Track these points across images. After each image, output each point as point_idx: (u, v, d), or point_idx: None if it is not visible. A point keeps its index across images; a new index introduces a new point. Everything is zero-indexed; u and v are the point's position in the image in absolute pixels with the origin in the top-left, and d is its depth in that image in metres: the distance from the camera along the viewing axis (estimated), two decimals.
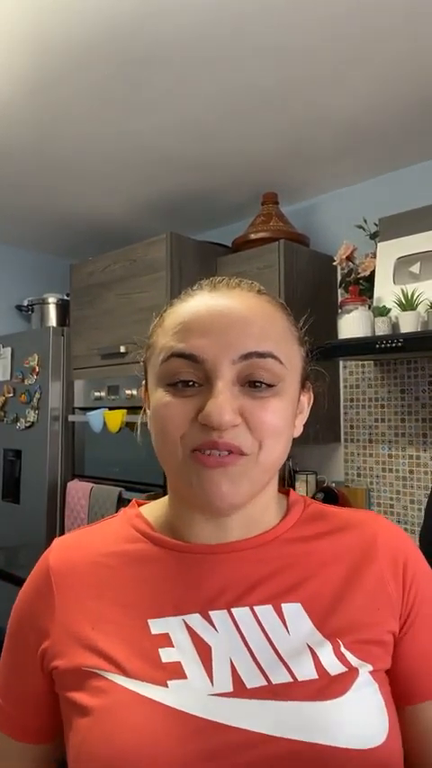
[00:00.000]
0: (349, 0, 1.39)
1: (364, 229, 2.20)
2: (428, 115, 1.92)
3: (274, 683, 0.54)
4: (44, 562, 0.66)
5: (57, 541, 0.68)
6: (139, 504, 0.71)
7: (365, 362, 2.33)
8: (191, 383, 0.57)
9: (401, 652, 0.61)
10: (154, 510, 0.69)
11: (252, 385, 0.57)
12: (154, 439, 0.61)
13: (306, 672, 0.55)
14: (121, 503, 2.31)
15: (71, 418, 2.64)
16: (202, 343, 0.57)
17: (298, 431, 0.65)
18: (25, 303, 3.11)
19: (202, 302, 0.61)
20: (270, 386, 0.58)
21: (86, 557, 0.64)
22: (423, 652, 0.62)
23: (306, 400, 0.66)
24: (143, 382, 0.67)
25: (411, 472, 2.18)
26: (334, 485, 2.34)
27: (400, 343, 1.83)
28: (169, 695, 0.53)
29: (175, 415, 0.57)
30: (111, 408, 2.42)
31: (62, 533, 2.56)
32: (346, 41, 1.54)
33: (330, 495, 2.22)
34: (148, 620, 0.58)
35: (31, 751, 0.65)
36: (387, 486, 2.26)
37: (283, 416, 0.58)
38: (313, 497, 2.26)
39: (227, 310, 0.59)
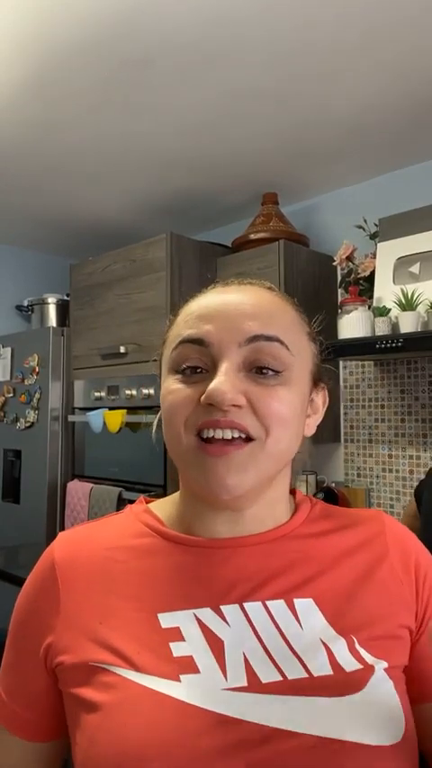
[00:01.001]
0: (349, 0, 1.39)
1: (364, 229, 2.20)
2: (429, 115, 1.92)
3: (289, 678, 0.54)
4: (49, 556, 0.65)
5: (61, 535, 0.67)
6: (147, 502, 0.71)
7: (365, 362, 2.34)
8: (198, 369, 0.58)
9: (419, 651, 0.61)
10: (163, 506, 0.68)
11: (258, 371, 0.57)
12: (163, 428, 0.61)
13: (321, 667, 0.54)
14: (121, 503, 2.31)
15: (71, 418, 2.64)
16: (210, 327, 0.58)
17: (311, 430, 0.64)
18: (25, 303, 3.11)
19: (212, 296, 0.62)
20: (276, 372, 0.57)
21: (93, 551, 0.63)
22: None
23: (321, 400, 0.66)
24: (159, 380, 0.67)
25: (411, 472, 2.18)
26: (334, 485, 2.34)
27: (400, 344, 1.83)
28: (182, 690, 0.52)
29: (181, 400, 0.57)
30: (111, 408, 2.42)
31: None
32: (346, 41, 1.54)
33: (330, 496, 2.22)
34: (158, 614, 0.57)
35: (36, 749, 0.64)
36: (387, 487, 2.26)
37: (290, 406, 0.58)
38: (306, 495, 2.26)
39: (236, 300, 0.60)
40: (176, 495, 0.68)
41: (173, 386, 0.59)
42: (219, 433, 0.55)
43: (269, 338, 0.57)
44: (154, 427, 0.69)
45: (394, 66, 1.66)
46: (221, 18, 1.45)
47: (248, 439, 0.56)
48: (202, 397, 0.55)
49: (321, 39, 1.53)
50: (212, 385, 0.55)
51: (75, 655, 0.57)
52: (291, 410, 0.58)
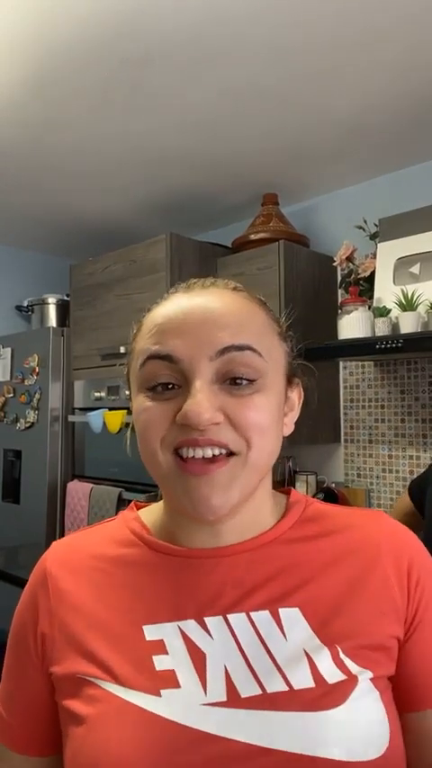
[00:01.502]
0: (349, 1, 1.39)
1: (364, 230, 2.20)
2: (429, 115, 1.92)
3: (269, 691, 0.52)
4: (41, 565, 0.65)
5: (54, 544, 0.67)
6: (139, 507, 0.70)
7: (365, 363, 2.33)
8: (170, 386, 0.56)
9: (405, 657, 0.59)
10: (151, 513, 0.67)
11: (233, 382, 0.55)
12: (138, 446, 0.59)
13: (302, 680, 0.53)
14: (121, 503, 2.31)
15: (71, 418, 2.64)
16: (177, 342, 0.55)
17: (289, 429, 0.62)
18: (25, 303, 3.11)
19: (175, 303, 0.59)
20: (251, 381, 0.55)
21: (83, 560, 0.63)
22: (428, 657, 0.59)
23: (296, 397, 0.64)
24: (127, 392, 0.65)
25: (411, 473, 2.18)
26: (334, 485, 2.33)
27: (400, 344, 1.83)
28: (162, 705, 0.52)
29: (155, 418, 0.55)
30: (111, 409, 2.42)
31: (62, 534, 2.56)
32: (346, 41, 1.54)
33: (330, 496, 2.22)
34: (143, 626, 0.57)
35: (33, 764, 0.63)
36: (387, 487, 2.26)
37: (268, 413, 0.56)
38: (313, 497, 2.26)
39: (201, 308, 0.57)
40: (162, 502, 0.67)
41: (145, 403, 0.57)
42: (198, 452, 0.54)
43: (241, 347, 0.55)
44: (128, 440, 0.67)
45: (394, 67, 1.66)
46: (221, 18, 1.45)
47: (229, 453, 0.54)
48: (178, 417, 0.53)
49: (321, 38, 1.53)
50: (188, 405, 0.53)
51: (65, 666, 0.57)
52: (269, 417, 0.56)
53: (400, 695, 0.59)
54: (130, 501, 0.72)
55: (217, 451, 0.54)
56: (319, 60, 1.63)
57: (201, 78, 1.71)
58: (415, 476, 2.17)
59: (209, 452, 0.54)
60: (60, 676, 0.58)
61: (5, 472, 2.84)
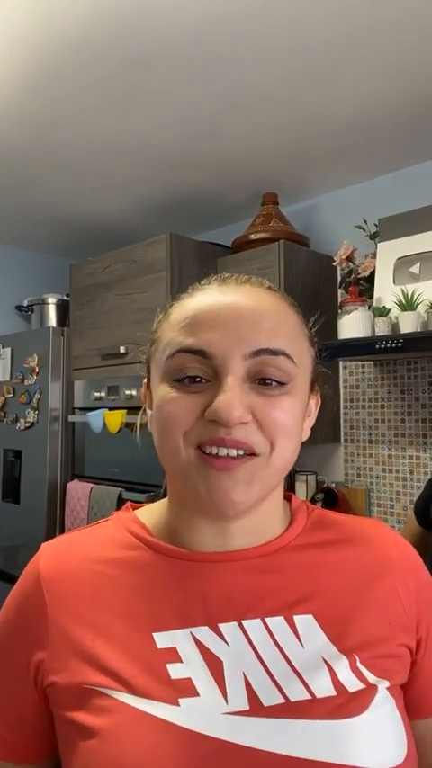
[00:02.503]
0: (349, 1, 1.39)
1: (364, 229, 2.20)
2: (429, 115, 1.92)
3: (292, 700, 0.51)
4: (33, 568, 0.62)
5: (45, 546, 0.64)
6: (134, 508, 0.68)
7: (365, 363, 2.33)
8: (198, 379, 0.55)
9: (418, 669, 0.60)
10: (151, 514, 0.65)
11: (262, 382, 0.55)
12: (156, 437, 0.58)
13: (324, 688, 0.52)
14: (122, 503, 2.30)
15: (71, 418, 2.64)
16: (212, 337, 0.54)
17: (306, 434, 0.62)
18: (25, 303, 3.11)
19: (210, 297, 0.58)
20: (281, 384, 0.55)
21: (80, 563, 0.60)
22: None
23: (314, 403, 0.64)
24: (144, 381, 0.64)
25: (411, 472, 2.18)
26: (334, 485, 2.33)
27: (399, 344, 1.83)
28: (181, 714, 0.50)
29: (180, 410, 0.54)
30: (111, 409, 2.42)
31: (62, 533, 2.55)
32: (346, 40, 1.54)
33: (330, 496, 2.22)
34: (153, 634, 0.55)
35: None
36: (387, 487, 2.26)
37: (294, 416, 0.56)
38: (313, 497, 2.26)
39: (237, 304, 0.56)
40: (164, 502, 0.65)
41: (170, 394, 0.55)
42: (223, 451, 0.53)
43: (275, 352, 0.55)
44: (138, 428, 0.66)
45: (394, 66, 1.66)
46: (221, 17, 1.45)
47: (252, 454, 0.54)
48: (207, 413, 0.53)
49: (321, 38, 1.53)
50: (219, 402, 0.52)
51: (67, 675, 0.55)
52: (294, 421, 0.56)
53: (410, 703, 0.59)
54: (130, 501, 0.71)
55: (241, 452, 0.53)
56: (318, 59, 1.62)
57: (201, 77, 1.71)
58: (415, 476, 2.17)
59: (233, 452, 0.53)
60: (62, 687, 0.55)
61: (5, 472, 2.84)
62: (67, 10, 1.43)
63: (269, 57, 1.61)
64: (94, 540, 0.63)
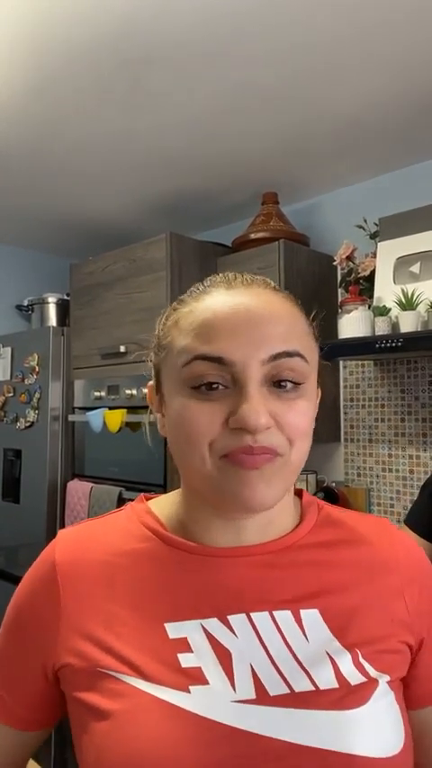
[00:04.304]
0: (349, 0, 1.39)
1: (364, 229, 2.20)
2: (429, 115, 1.92)
3: (296, 690, 0.54)
4: (49, 555, 0.64)
5: (62, 534, 0.66)
6: (147, 499, 0.69)
7: (365, 362, 2.33)
8: (215, 386, 0.55)
9: (418, 662, 0.62)
10: (164, 507, 0.66)
11: (278, 385, 0.56)
12: (175, 445, 0.58)
13: (327, 680, 0.54)
14: (122, 503, 2.31)
15: (71, 418, 2.64)
16: (230, 344, 0.55)
17: None
18: (25, 303, 3.11)
19: (221, 300, 0.58)
20: (296, 385, 0.56)
21: (95, 553, 0.62)
22: None
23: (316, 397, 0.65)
24: (150, 383, 0.64)
25: (411, 472, 2.18)
26: (334, 484, 2.34)
27: (399, 343, 1.83)
28: (192, 701, 0.52)
29: (203, 420, 0.55)
30: (111, 408, 2.42)
31: None
32: (346, 40, 1.54)
33: (330, 495, 2.22)
34: (165, 624, 0.57)
35: (22, 736, 0.64)
36: (387, 486, 2.26)
37: (309, 417, 0.58)
38: (314, 497, 2.26)
39: (250, 309, 0.57)
40: (176, 494, 0.67)
41: (190, 403, 0.56)
42: (250, 459, 0.54)
43: (291, 354, 0.56)
44: (147, 428, 0.67)
45: (394, 65, 1.66)
46: (221, 18, 1.45)
47: (277, 454, 0.55)
48: (232, 421, 0.53)
49: (321, 37, 1.53)
50: (244, 411, 0.53)
51: (82, 658, 0.57)
52: (310, 421, 0.58)
53: (411, 694, 0.62)
54: (130, 500, 0.71)
55: (267, 455, 0.55)
56: (318, 59, 1.62)
57: (200, 77, 1.71)
58: (415, 475, 2.17)
59: (259, 460, 0.54)
60: (77, 669, 0.57)
61: (5, 472, 2.84)
62: (68, 11, 1.43)
63: (269, 57, 1.61)
64: (108, 531, 0.65)
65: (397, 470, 2.23)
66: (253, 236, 2.37)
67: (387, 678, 0.57)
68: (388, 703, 0.55)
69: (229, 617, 0.57)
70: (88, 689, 0.56)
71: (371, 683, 0.55)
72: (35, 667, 0.61)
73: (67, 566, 0.62)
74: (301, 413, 0.56)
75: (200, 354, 0.55)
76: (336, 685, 0.54)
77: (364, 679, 0.55)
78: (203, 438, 0.55)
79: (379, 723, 0.54)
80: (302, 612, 0.58)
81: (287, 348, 0.56)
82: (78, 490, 2.50)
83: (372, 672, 0.56)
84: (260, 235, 2.35)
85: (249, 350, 0.55)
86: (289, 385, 0.56)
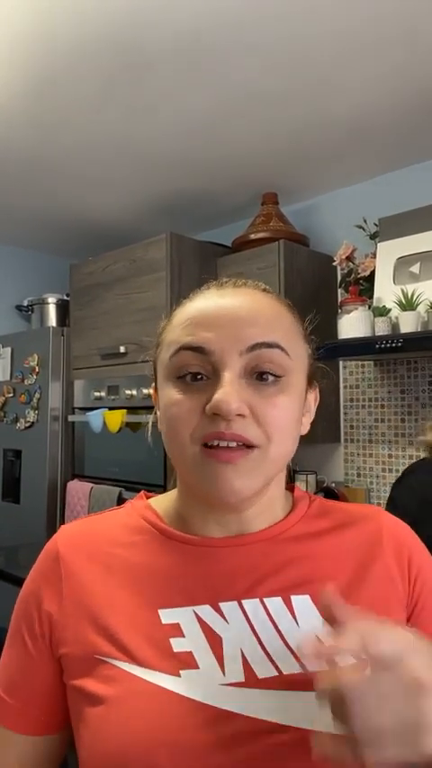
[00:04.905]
0: (349, 1, 1.39)
1: (364, 229, 2.20)
2: (428, 115, 1.92)
3: (284, 673, 0.55)
4: (52, 547, 0.66)
5: (63, 528, 0.68)
6: (147, 497, 0.72)
7: (365, 362, 2.34)
8: (199, 376, 0.58)
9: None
10: (163, 502, 0.69)
11: (259, 377, 0.58)
12: (165, 437, 0.62)
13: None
14: (121, 503, 2.30)
15: (71, 418, 2.64)
16: (210, 335, 0.58)
17: (305, 429, 0.65)
18: (25, 303, 3.11)
19: (209, 299, 0.62)
20: (277, 377, 0.58)
21: (95, 545, 0.65)
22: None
23: (312, 399, 0.67)
24: (153, 384, 0.68)
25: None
26: (334, 485, 2.34)
27: (399, 344, 1.83)
28: (181, 684, 0.54)
29: (185, 410, 0.58)
30: (111, 408, 2.42)
31: None
32: (345, 41, 1.54)
33: (330, 495, 2.22)
34: (159, 610, 0.59)
35: (37, 743, 0.64)
36: (387, 486, 2.25)
37: (289, 411, 0.59)
38: (306, 492, 2.26)
39: (234, 305, 0.60)
40: (175, 491, 0.69)
41: (175, 396, 0.59)
42: (223, 443, 0.56)
43: (270, 345, 0.58)
44: (150, 428, 0.70)
45: (394, 66, 1.66)
46: (221, 21, 1.45)
47: (251, 446, 0.57)
48: (207, 407, 0.56)
49: (321, 38, 1.53)
50: (218, 395, 0.55)
51: (78, 647, 0.59)
52: (290, 416, 0.59)
53: None
54: (130, 500, 0.73)
55: (241, 444, 0.57)
56: (318, 62, 1.62)
57: (201, 80, 1.71)
58: None
59: (233, 444, 0.56)
60: (73, 657, 0.59)
61: (5, 472, 2.84)
62: (68, 13, 1.43)
63: (269, 58, 1.61)
64: (109, 525, 0.68)
65: (397, 471, 2.23)
66: (253, 236, 2.37)
67: None
68: None
69: (221, 604, 0.59)
70: (84, 675, 0.57)
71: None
72: (43, 659, 0.62)
73: (70, 556, 0.64)
74: (281, 407, 0.58)
75: (183, 344, 0.59)
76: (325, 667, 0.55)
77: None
78: (184, 426, 0.58)
79: None
80: (293, 598, 0.59)
81: (265, 339, 0.58)
82: (78, 490, 2.50)
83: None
84: (260, 235, 2.35)
85: (228, 341, 0.58)
86: (270, 378, 0.58)
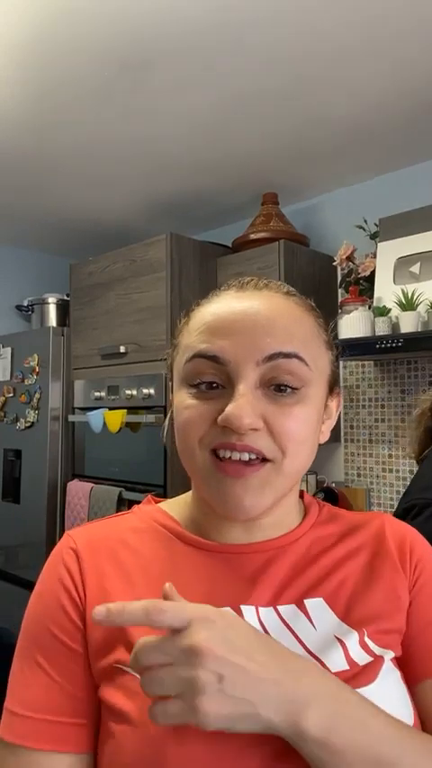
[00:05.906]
0: (350, 1, 1.39)
1: (364, 229, 2.20)
2: (429, 115, 1.92)
3: None
4: (69, 550, 0.61)
5: (72, 533, 0.63)
6: (156, 501, 0.70)
7: (365, 362, 2.34)
8: (214, 385, 0.56)
9: (408, 635, 0.61)
10: (176, 507, 0.67)
11: (277, 389, 0.56)
12: (177, 440, 0.60)
13: (338, 663, 0.55)
14: (121, 503, 2.31)
15: (71, 418, 2.64)
16: (225, 344, 0.56)
17: (325, 437, 0.63)
18: (25, 303, 3.11)
19: (226, 303, 0.60)
20: (295, 389, 0.56)
21: (111, 548, 0.61)
22: (422, 628, 0.61)
23: (334, 406, 0.65)
24: (170, 383, 0.66)
25: (411, 472, 2.18)
26: (334, 485, 2.34)
27: (400, 344, 1.84)
28: None
29: (196, 417, 0.56)
30: (111, 408, 2.42)
31: (62, 533, 2.55)
32: (345, 41, 1.54)
33: (330, 495, 2.22)
34: None
35: (84, 762, 0.55)
36: (387, 486, 2.26)
37: (307, 424, 0.57)
38: (313, 497, 2.26)
39: (251, 311, 0.57)
40: (187, 496, 0.67)
41: (187, 401, 0.57)
42: (235, 455, 0.55)
43: (288, 355, 0.56)
44: (165, 430, 0.68)
45: (394, 66, 1.66)
46: (221, 21, 1.45)
47: (264, 459, 0.55)
48: (219, 419, 0.54)
49: (321, 39, 1.53)
50: (230, 409, 0.53)
51: (104, 653, 0.55)
52: (307, 428, 0.57)
53: (405, 669, 0.61)
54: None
55: (253, 456, 0.55)
56: (318, 63, 1.62)
57: (201, 80, 1.71)
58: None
59: (245, 456, 0.55)
60: (102, 667, 0.55)
61: (5, 472, 2.84)
62: (69, 14, 1.43)
63: (269, 59, 1.61)
64: (120, 529, 0.64)
65: (397, 470, 2.23)
66: (253, 236, 2.37)
67: (391, 655, 0.57)
68: (395, 681, 0.56)
69: (242, 607, 0.57)
70: (108, 685, 0.54)
71: (377, 661, 0.56)
72: (79, 663, 0.56)
73: (88, 559, 0.60)
74: (298, 419, 0.56)
75: (198, 352, 0.57)
76: (346, 667, 0.55)
77: (370, 658, 0.56)
78: (195, 433, 0.56)
79: (390, 699, 0.54)
80: (307, 602, 0.58)
81: (283, 349, 0.56)
82: (78, 490, 2.50)
83: (376, 650, 0.57)
84: (260, 235, 2.35)
85: (244, 350, 0.55)
86: (288, 389, 0.56)
